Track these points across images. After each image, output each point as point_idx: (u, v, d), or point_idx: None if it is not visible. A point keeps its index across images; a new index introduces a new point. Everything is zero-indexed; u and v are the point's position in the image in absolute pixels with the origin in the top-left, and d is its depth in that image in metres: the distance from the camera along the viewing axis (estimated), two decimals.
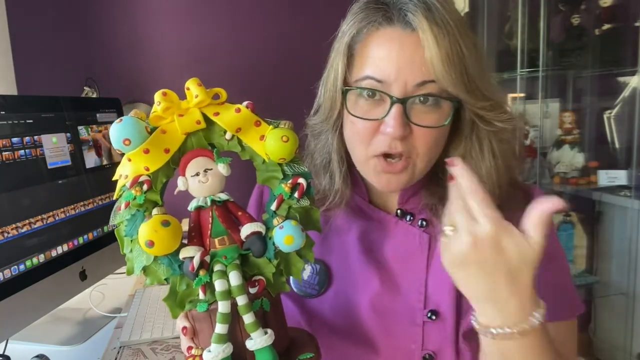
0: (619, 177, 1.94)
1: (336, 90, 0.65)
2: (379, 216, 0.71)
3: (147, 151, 0.47)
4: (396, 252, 0.68)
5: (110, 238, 1.17)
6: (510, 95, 2.04)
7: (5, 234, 0.86)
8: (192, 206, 0.50)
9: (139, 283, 1.32)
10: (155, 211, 0.47)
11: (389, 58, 0.59)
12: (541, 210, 0.47)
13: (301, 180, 0.51)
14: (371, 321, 0.67)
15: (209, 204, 0.49)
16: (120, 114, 1.28)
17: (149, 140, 0.47)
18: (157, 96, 0.48)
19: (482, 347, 0.53)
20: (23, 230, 0.90)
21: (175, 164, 0.50)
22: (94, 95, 1.71)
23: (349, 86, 0.63)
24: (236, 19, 1.94)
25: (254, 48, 1.96)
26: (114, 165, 1.21)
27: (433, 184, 0.68)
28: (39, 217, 0.94)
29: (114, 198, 0.50)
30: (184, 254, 0.48)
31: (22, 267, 0.89)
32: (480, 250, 0.46)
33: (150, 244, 0.45)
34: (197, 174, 0.49)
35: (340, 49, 0.64)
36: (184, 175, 0.49)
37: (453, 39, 0.57)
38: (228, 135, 0.50)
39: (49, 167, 0.99)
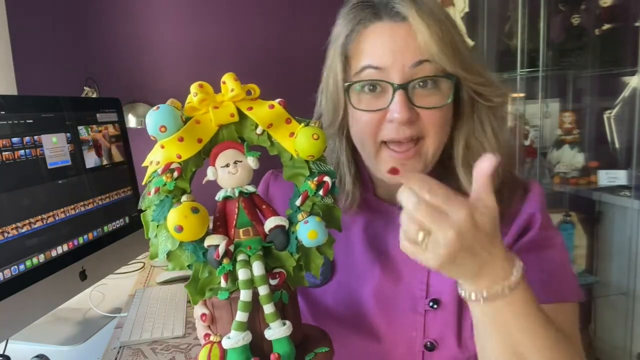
0: (619, 177, 1.94)
1: (338, 90, 0.66)
2: (384, 208, 0.72)
3: (181, 139, 0.48)
4: (399, 242, 0.69)
5: (110, 238, 1.17)
6: (510, 95, 2.04)
7: (5, 234, 0.86)
8: (219, 196, 0.51)
9: (139, 283, 1.32)
10: (184, 198, 0.48)
11: (383, 46, 0.62)
12: (482, 172, 0.48)
13: (327, 179, 0.52)
14: (373, 310, 0.68)
15: (236, 194, 0.50)
16: (120, 114, 1.28)
17: (184, 128, 0.49)
18: (194, 88, 0.50)
19: (475, 318, 0.53)
20: (23, 230, 0.90)
21: (205, 154, 0.51)
22: (94, 95, 1.72)
23: (352, 82, 0.65)
24: (236, 19, 1.95)
25: (254, 48, 1.96)
26: (114, 165, 1.21)
27: (439, 173, 0.69)
28: (39, 217, 0.94)
29: (143, 183, 0.51)
30: (209, 241, 0.49)
31: (22, 267, 0.89)
32: (464, 236, 0.46)
33: (179, 229, 0.46)
34: (227, 165, 0.50)
35: (336, 51, 0.67)
36: (214, 165, 0.50)
37: (442, 23, 0.61)
38: (259, 130, 0.52)
39: (49, 167, 0.99)
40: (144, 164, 0.51)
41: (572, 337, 0.63)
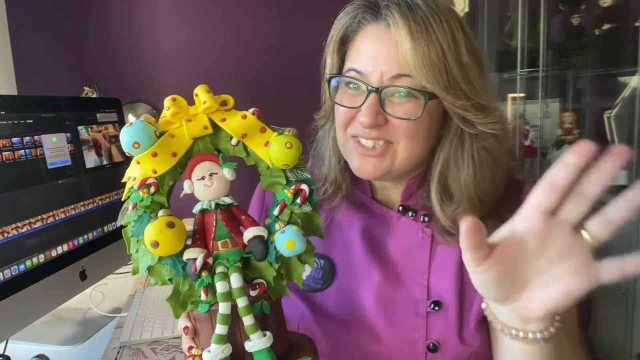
0: (619, 177, 1.93)
1: (325, 81, 0.70)
2: (381, 212, 0.73)
3: (155, 154, 0.48)
4: (398, 246, 0.70)
5: (110, 238, 1.17)
6: (510, 95, 2.04)
7: (5, 234, 0.86)
8: (196, 209, 0.51)
9: (139, 283, 1.32)
10: (161, 212, 0.48)
11: (369, 52, 0.63)
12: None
13: (304, 187, 0.51)
14: (375, 313, 0.68)
15: (213, 207, 0.50)
16: (120, 114, 1.28)
17: (157, 143, 0.49)
18: (167, 102, 0.50)
19: (506, 348, 0.52)
20: (23, 230, 0.90)
21: (182, 167, 0.51)
22: (94, 95, 1.72)
23: (333, 75, 0.68)
24: (235, 20, 1.94)
25: (253, 48, 1.96)
26: (114, 165, 1.21)
27: (430, 184, 0.69)
28: (39, 217, 0.94)
29: (122, 199, 0.51)
30: (187, 255, 0.48)
31: (22, 267, 0.89)
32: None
33: (155, 244, 0.46)
34: (203, 178, 0.50)
35: (330, 44, 0.69)
36: (190, 178, 0.50)
37: (432, 38, 0.59)
38: (234, 141, 0.51)
39: (49, 167, 0.99)
40: (122, 180, 0.51)
41: (577, 337, 0.63)
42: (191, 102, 0.52)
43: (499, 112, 0.64)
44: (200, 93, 0.50)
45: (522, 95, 2.02)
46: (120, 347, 0.96)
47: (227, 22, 1.94)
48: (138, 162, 0.49)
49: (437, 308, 0.66)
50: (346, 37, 0.67)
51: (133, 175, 0.50)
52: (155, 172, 0.49)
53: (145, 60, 1.88)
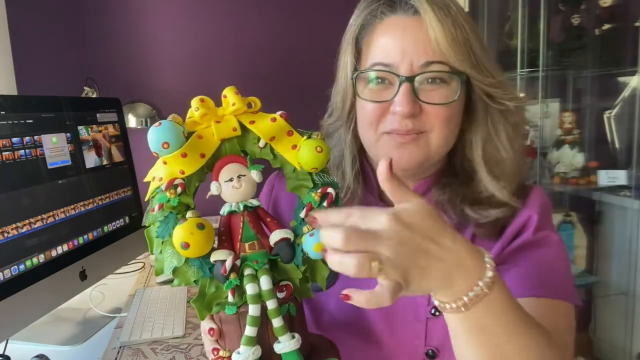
0: (619, 177, 1.94)
1: (347, 81, 0.68)
2: None
3: (185, 155, 0.48)
4: None
5: (110, 238, 1.17)
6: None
7: (5, 234, 0.86)
8: (224, 210, 0.51)
9: (139, 283, 1.32)
10: (189, 214, 0.48)
11: (394, 42, 0.62)
12: (383, 179, 0.45)
13: (330, 190, 0.52)
14: (375, 317, 0.68)
15: (241, 209, 0.50)
16: (120, 114, 1.28)
17: (187, 144, 0.48)
18: (195, 102, 0.49)
19: (453, 330, 0.49)
20: (23, 230, 0.90)
21: (208, 168, 0.51)
22: (94, 95, 1.72)
23: (362, 71, 0.66)
24: (236, 19, 1.95)
25: (254, 47, 1.96)
26: (114, 165, 1.21)
27: (443, 180, 0.69)
28: (39, 217, 0.94)
29: (146, 199, 0.51)
30: (215, 257, 0.48)
31: (22, 267, 0.89)
32: (402, 237, 0.41)
33: (186, 245, 0.46)
34: (231, 180, 0.50)
35: (348, 42, 0.68)
36: (217, 180, 0.50)
37: (456, 20, 0.61)
38: (261, 143, 0.52)
39: (49, 167, 0.99)
40: (145, 180, 0.51)
41: (561, 340, 0.62)
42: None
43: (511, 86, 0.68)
44: (229, 95, 0.50)
45: (522, 95, 2.02)
46: (120, 347, 0.96)
47: (228, 20, 1.94)
48: (165, 163, 0.48)
49: (437, 313, 0.65)
50: (361, 36, 0.67)
51: (158, 175, 0.49)
52: (183, 172, 0.49)
53: (145, 60, 1.88)
